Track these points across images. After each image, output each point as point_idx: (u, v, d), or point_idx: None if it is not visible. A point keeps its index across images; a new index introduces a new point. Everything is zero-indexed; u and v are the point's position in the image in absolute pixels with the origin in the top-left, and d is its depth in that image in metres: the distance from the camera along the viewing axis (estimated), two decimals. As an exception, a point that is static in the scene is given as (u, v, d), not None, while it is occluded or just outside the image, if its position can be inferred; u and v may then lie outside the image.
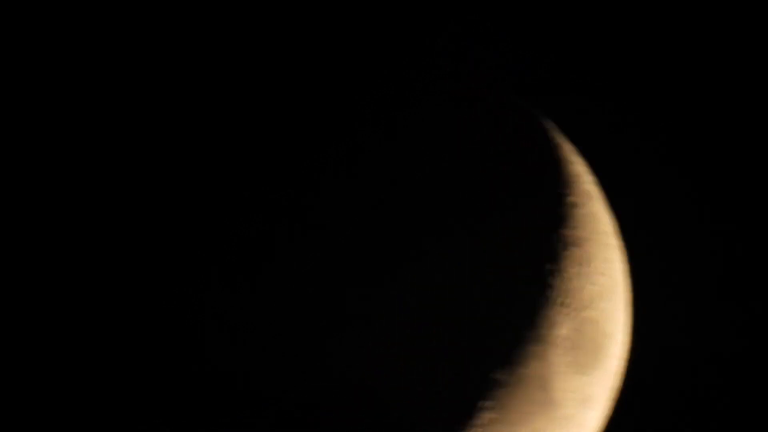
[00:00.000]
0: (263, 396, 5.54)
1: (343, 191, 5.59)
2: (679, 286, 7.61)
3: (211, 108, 6.30)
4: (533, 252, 5.81)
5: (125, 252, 5.89)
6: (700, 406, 7.73)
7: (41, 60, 6.94)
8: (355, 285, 5.45)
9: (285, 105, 6.04)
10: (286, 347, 5.46)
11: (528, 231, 5.82)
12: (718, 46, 7.88)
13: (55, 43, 6.91)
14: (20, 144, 6.52)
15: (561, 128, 6.45)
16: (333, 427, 5.49)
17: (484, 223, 5.70)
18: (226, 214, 5.75)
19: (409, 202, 5.62)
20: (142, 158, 6.18)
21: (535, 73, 7.38)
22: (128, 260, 5.87)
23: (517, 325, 5.71)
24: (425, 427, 5.55)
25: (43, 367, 5.96)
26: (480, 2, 7.67)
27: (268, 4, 7.04)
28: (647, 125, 7.72)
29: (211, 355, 5.59)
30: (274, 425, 5.53)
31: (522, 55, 7.35)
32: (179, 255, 5.79)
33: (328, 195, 5.58)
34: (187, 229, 5.82)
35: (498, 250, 5.68)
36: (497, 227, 5.72)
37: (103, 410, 5.82)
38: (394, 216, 5.55)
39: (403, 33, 7.46)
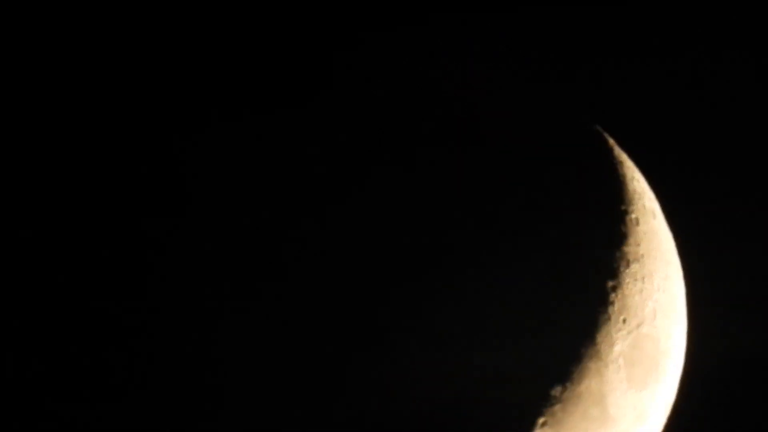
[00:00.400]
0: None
1: (397, 204, 5.54)
2: (737, 303, 7.54)
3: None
4: (594, 268, 5.82)
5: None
6: (757, 423, 7.65)
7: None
8: (408, 301, 5.40)
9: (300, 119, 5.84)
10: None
11: (589, 247, 5.84)
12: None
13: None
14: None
15: (623, 144, 6.47)
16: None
17: (544, 239, 5.70)
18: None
19: (470, 214, 5.61)
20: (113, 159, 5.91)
21: (600, 90, 7.37)
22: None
23: (575, 340, 5.72)
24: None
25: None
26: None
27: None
28: (707, 141, 7.64)
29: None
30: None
31: (590, 74, 7.32)
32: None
33: (367, 218, 5.49)
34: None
35: (558, 265, 5.69)
36: (558, 243, 5.73)
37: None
38: (452, 227, 5.52)
39: (446, 37, 7.35)
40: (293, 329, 5.21)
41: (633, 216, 6.13)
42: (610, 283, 5.82)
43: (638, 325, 5.97)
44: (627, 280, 5.90)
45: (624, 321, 5.86)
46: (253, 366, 5.21)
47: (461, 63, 6.38)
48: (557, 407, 5.64)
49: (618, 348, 5.83)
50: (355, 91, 5.92)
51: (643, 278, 6.03)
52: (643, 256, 6.05)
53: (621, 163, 6.34)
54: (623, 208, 6.11)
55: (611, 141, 6.43)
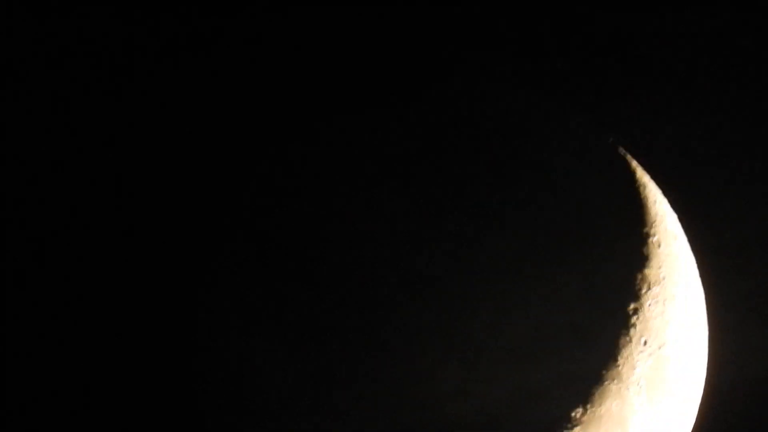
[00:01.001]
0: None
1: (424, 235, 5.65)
2: (760, 324, 7.49)
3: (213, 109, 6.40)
4: (617, 292, 5.83)
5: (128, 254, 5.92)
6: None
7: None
8: (432, 326, 5.51)
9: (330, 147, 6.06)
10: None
11: (611, 270, 5.83)
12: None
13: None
14: (18, 145, 6.60)
15: (648, 167, 6.43)
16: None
17: (568, 263, 5.72)
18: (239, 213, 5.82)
19: (495, 237, 5.66)
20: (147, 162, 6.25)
21: (622, 109, 7.37)
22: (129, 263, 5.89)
23: (597, 363, 5.73)
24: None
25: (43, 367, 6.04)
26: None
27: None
28: (731, 159, 7.65)
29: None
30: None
31: (611, 92, 7.36)
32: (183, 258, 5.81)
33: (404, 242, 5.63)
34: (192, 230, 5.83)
35: (581, 289, 5.71)
36: (581, 267, 5.74)
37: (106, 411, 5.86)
38: (476, 252, 5.60)
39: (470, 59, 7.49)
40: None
41: (655, 239, 6.10)
42: (632, 306, 5.84)
43: (659, 347, 5.97)
44: (648, 303, 5.91)
45: (645, 343, 5.86)
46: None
47: (496, 91, 6.47)
48: (580, 428, 5.68)
49: (639, 370, 5.85)
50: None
51: (664, 301, 6.02)
52: (664, 278, 6.05)
53: (644, 185, 6.32)
54: (645, 230, 6.09)
55: (634, 163, 6.40)
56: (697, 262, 6.63)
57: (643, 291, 5.90)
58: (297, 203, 5.80)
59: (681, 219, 6.55)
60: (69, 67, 7.01)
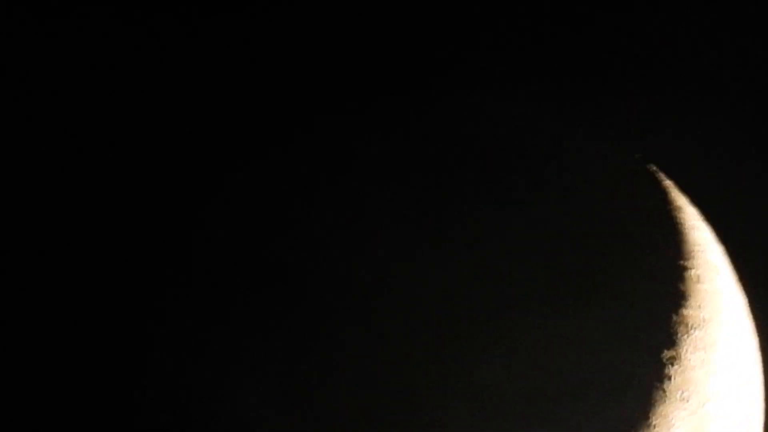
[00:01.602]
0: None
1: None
2: None
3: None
4: (649, 336, 5.50)
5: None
6: None
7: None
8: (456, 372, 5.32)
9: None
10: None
11: (643, 311, 5.54)
12: None
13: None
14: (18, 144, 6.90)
15: (684, 188, 6.16)
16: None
17: (591, 301, 5.46)
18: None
19: (513, 271, 5.45)
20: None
21: (652, 120, 7.24)
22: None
23: (627, 421, 5.38)
24: None
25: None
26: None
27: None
28: None
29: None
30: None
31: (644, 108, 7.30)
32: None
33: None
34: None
35: (609, 333, 5.41)
36: (608, 306, 5.47)
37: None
38: (493, 288, 5.41)
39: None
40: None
41: (693, 272, 5.79)
42: (668, 353, 5.49)
43: (702, 404, 5.59)
44: (688, 350, 5.57)
45: (685, 399, 5.49)
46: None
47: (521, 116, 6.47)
48: None
49: (679, 431, 5.48)
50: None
51: (706, 347, 5.67)
52: (705, 320, 5.71)
53: (679, 208, 6.08)
54: (682, 263, 5.80)
55: (667, 182, 6.18)
56: (747, 300, 6.28)
57: (682, 335, 5.58)
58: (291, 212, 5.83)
59: (725, 248, 6.26)
60: (69, 67, 7.17)
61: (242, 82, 7.18)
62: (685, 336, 5.60)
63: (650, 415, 5.45)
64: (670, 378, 5.49)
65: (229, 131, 6.74)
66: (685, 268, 5.80)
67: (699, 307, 5.71)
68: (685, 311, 5.65)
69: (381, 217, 5.78)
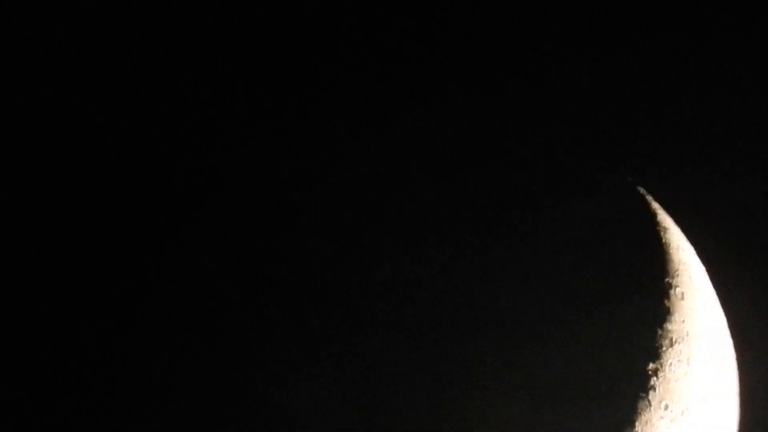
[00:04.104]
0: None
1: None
2: None
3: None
4: (634, 348, 5.58)
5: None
6: None
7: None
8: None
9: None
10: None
11: (629, 325, 5.62)
12: None
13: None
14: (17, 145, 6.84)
15: (670, 211, 6.27)
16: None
17: (579, 314, 5.53)
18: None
19: (501, 286, 5.52)
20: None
21: (639, 145, 7.30)
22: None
23: (615, 426, 5.48)
24: None
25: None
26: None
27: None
28: (761, 205, 7.43)
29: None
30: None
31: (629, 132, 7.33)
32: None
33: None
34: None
35: (594, 344, 5.48)
36: (594, 320, 5.53)
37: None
38: (482, 303, 5.49)
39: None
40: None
41: (678, 290, 5.90)
42: (652, 365, 5.60)
43: (682, 412, 5.69)
44: (670, 362, 5.67)
45: (666, 407, 5.60)
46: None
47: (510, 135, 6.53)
48: None
49: None
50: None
51: (688, 359, 5.76)
52: (688, 334, 5.81)
53: (666, 229, 6.16)
54: (668, 281, 5.90)
55: (655, 205, 6.26)
56: (726, 317, 6.41)
57: (665, 348, 5.67)
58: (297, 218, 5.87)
59: (707, 268, 6.38)
60: (69, 67, 7.15)
61: (240, 82, 7.16)
62: (668, 349, 5.67)
63: (635, 422, 5.49)
64: (653, 388, 5.55)
65: (229, 131, 6.77)
66: (670, 286, 5.88)
67: (682, 321, 5.79)
68: (668, 326, 5.73)
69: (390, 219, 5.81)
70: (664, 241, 6.07)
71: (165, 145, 6.77)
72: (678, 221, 6.28)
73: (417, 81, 7.20)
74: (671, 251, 6.05)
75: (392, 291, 5.56)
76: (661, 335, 5.68)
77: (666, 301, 5.80)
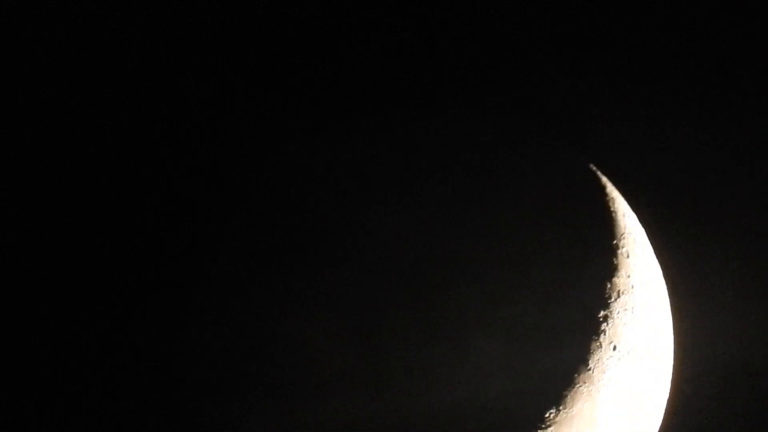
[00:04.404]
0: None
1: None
2: (725, 329, 7.73)
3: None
4: (587, 299, 5.98)
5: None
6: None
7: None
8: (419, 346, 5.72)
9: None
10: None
11: (583, 279, 6.00)
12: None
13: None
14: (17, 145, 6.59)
15: (617, 183, 6.59)
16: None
17: (543, 273, 5.90)
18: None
19: (469, 244, 5.86)
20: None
21: (589, 127, 7.56)
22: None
23: (569, 367, 5.89)
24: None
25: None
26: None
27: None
28: (690, 178, 7.85)
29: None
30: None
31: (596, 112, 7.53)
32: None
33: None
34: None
35: (554, 298, 5.87)
36: (554, 275, 5.91)
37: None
38: (443, 269, 5.80)
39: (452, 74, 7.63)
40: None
41: (624, 250, 6.25)
42: (602, 313, 5.99)
43: (629, 352, 6.10)
44: (618, 310, 6.06)
45: (615, 348, 6.00)
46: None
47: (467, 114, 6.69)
48: (552, 429, 5.83)
49: (609, 373, 5.99)
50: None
51: (632, 308, 6.17)
52: (633, 287, 6.19)
53: (613, 199, 6.48)
54: (615, 242, 6.24)
55: (604, 179, 6.58)
56: (663, 272, 6.78)
57: (613, 299, 6.04)
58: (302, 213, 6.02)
59: (647, 231, 6.71)
60: (69, 67, 7.03)
61: (240, 82, 7.00)
62: (616, 300, 6.04)
63: (588, 360, 5.86)
64: (604, 332, 5.93)
65: (229, 131, 6.57)
66: (617, 247, 6.20)
67: (627, 276, 6.16)
68: (616, 280, 6.09)
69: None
70: (612, 209, 6.39)
71: (165, 145, 6.60)
72: (623, 192, 6.58)
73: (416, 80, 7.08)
74: (618, 218, 6.37)
75: (387, 245, 5.78)
76: (609, 288, 6.05)
77: (614, 260, 6.14)
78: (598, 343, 5.93)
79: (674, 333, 6.85)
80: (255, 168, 6.25)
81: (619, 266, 6.16)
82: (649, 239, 6.72)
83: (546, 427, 5.83)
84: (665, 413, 6.86)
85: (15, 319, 6.22)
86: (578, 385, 5.87)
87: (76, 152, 6.71)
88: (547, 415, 5.82)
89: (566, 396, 5.85)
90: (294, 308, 5.74)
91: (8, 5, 6.91)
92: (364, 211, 5.96)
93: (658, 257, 6.75)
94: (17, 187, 6.60)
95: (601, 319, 5.97)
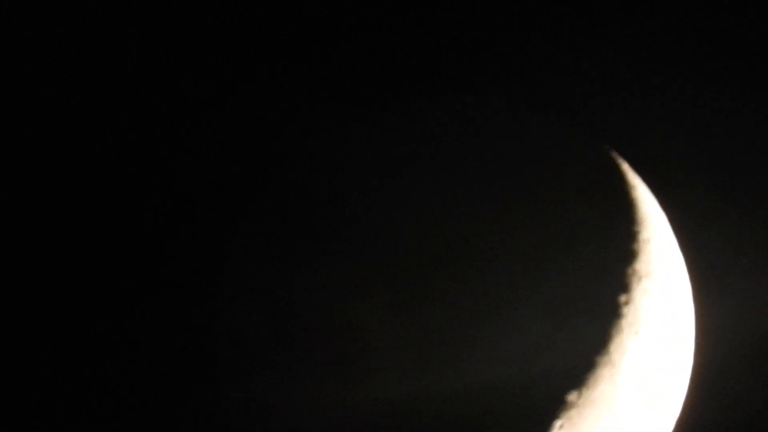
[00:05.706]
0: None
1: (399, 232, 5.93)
2: (747, 322, 7.72)
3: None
4: (608, 284, 6.04)
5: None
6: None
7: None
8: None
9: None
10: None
11: (604, 265, 6.06)
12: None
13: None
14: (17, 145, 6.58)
15: (637, 169, 6.63)
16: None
17: (563, 258, 5.99)
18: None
19: (493, 227, 5.95)
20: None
21: (610, 113, 7.52)
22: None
23: (590, 350, 5.96)
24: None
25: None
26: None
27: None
28: (714, 167, 7.84)
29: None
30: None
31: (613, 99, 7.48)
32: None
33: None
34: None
35: (575, 282, 5.95)
36: (579, 260, 5.99)
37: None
38: (463, 253, 5.88)
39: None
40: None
41: (643, 235, 6.30)
42: (624, 297, 6.02)
43: (649, 336, 6.16)
44: (638, 295, 6.08)
45: (636, 333, 6.06)
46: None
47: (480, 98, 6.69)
48: (573, 411, 5.89)
49: (630, 357, 6.04)
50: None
51: (653, 293, 6.22)
52: (653, 272, 6.24)
53: (634, 187, 6.53)
54: (635, 229, 6.29)
55: (625, 165, 6.62)
56: (684, 258, 6.82)
57: (634, 284, 6.09)
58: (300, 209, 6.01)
59: (668, 217, 6.74)
60: (69, 67, 7.01)
61: (240, 83, 6.96)
62: (637, 284, 6.07)
63: (609, 345, 5.90)
64: (625, 316, 5.95)
65: (229, 131, 6.59)
66: (637, 232, 6.26)
67: (648, 263, 6.18)
68: (637, 265, 6.11)
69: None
70: (632, 196, 6.43)
71: (165, 145, 6.61)
72: (644, 179, 6.63)
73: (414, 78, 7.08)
74: (639, 204, 6.39)
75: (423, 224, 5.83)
76: (631, 273, 6.05)
77: (635, 245, 6.17)
78: (619, 328, 5.96)
79: (696, 318, 6.89)
80: (256, 168, 6.22)
81: (639, 252, 6.21)
82: (671, 225, 6.75)
83: (568, 410, 5.88)
84: (687, 399, 6.89)
85: (15, 319, 6.17)
86: (599, 369, 5.91)
87: (76, 152, 6.68)
88: (568, 398, 5.88)
89: (587, 379, 5.89)
90: (319, 298, 5.79)
91: (8, 5, 6.87)
92: (394, 195, 6.02)
93: (679, 242, 6.80)
94: (17, 187, 6.57)
95: (622, 304, 6.01)
